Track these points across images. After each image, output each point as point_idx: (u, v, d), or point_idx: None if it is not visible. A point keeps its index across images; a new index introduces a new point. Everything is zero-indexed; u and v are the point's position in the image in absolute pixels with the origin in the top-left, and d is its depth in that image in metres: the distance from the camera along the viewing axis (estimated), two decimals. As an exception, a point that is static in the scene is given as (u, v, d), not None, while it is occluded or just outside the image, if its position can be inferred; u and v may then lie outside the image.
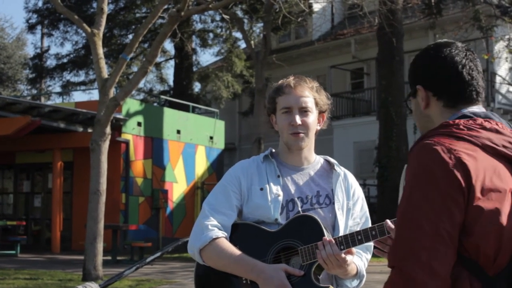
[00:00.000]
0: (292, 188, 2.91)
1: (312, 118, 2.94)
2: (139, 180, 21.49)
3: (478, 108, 2.16)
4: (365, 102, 26.39)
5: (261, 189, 2.89)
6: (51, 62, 30.80)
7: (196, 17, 27.69)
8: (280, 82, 3.03)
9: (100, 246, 13.04)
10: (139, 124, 21.51)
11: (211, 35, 28.69)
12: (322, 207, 2.90)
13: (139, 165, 21.50)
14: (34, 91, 35.54)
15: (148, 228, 21.37)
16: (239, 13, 24.40)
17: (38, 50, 32.69)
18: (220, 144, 25.35)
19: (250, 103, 26.17)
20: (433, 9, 21.61)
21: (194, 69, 29.07)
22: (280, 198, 2.86)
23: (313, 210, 2.87)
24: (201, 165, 24.20)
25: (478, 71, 2.18)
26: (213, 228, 2.83)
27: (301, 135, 2.91)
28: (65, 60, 29.34)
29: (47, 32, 30.03)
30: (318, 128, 3.01)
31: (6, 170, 23.52)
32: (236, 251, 2.77)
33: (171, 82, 31.18)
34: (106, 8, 14.19)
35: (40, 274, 13.52)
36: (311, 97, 2.95)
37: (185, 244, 3.45)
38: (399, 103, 21.18)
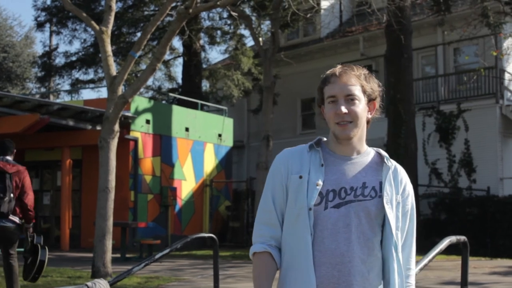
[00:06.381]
0: (336, 178, 2.83)
1: (360, 107, 2.86)
2: (148, 178, 21.52)
3: None
4: (373, 99, 26.30)
5: (300, 177, 2.84)
6: (59, 60, 30.93)
7: (204, 14, 27.70)
8: (327, 72, 2.97)
9: (109, 243, 13.07)
10: (147, 121, 21.54)
11: (219, 32, 28.70)
12: (367, 199, 2.81)
13: (147, 163, 21.53)
14: (43, 89, 35.64)
15: (157, 225, 21.41)
16: (247, 11, 24.38)
17: (47, 48, 32.87)
18: (228, 141, 25.37)
19: (259, 100, 26.15)
20: (441, 6, 21.55)
21: (203, 66, 29.08)
22: (319, 187, 2.80)
23: (356, 202, 2.79)
24: (209, 163, 24.22)
25: None
26: (261, 237, 2.88)
27: (348, 124, 2.83)
28: (73, 58, 29.39)
29: (55, 30, 30.12)
30: (369, 116, 2.93)
31: (15, 168, 23.54)
32: (261, 278, 2.80)
33: (179, 80, 31.24)
34: (115, 6, 14.22)
35: (50, 271, 13.54)
36: (358, 84, 2.86)
37: (193, 241, 3.49)
38: (408, 100, 21.12)
